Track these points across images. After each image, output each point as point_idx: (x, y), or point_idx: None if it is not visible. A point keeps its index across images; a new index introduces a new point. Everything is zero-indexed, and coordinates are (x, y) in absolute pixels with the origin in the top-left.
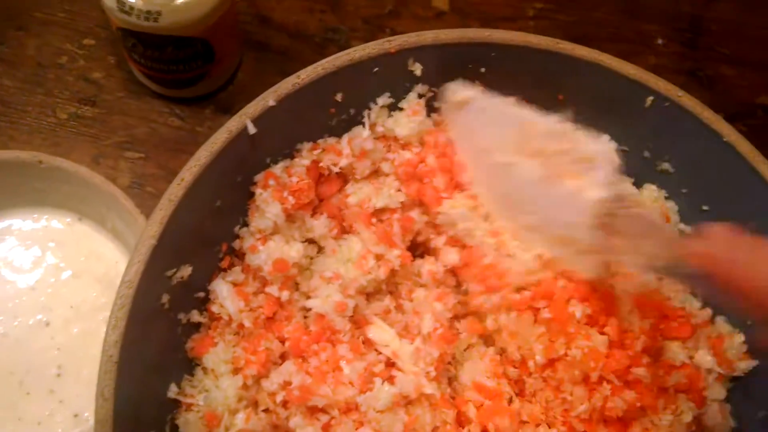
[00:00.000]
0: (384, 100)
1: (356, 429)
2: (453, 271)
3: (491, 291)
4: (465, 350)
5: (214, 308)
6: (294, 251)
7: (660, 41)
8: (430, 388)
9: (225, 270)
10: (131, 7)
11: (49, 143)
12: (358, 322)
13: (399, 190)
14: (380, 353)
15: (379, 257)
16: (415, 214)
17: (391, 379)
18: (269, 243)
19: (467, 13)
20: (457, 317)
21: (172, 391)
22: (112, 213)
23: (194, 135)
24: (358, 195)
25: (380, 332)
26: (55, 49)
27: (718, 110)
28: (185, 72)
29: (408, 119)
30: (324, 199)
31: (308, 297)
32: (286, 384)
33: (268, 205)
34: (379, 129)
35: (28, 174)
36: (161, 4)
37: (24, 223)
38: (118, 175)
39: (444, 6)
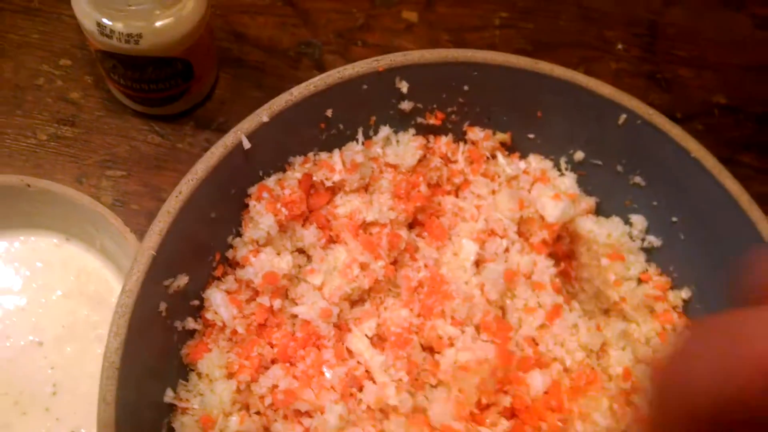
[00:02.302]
0: (385, 131)
1: None
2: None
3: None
4: (435, 386)
5: (209, 315)
6: (284, 263)
7: (620, 46)
8: (394, 400)
9: (219, 278)
10: (112, 30)
11: (30, 165)
12: (342, 327)
13: (392, 209)
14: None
15: (364, 266)
16: (404, 232)
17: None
18: (260, 255)
19: (436, 25)
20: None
21: (169, 396)
22: (101, 232)
23: (175, 151)
24: (347, 207)
25: (357, 341)
26: (31, 70)
27: (676, 111)
28: (165, 91)
29: (412, 153)
30: (314, 210)
31: (296, 304)
32: (274, 387)
33: (262, 217)
34: (377, 150)
35: (15, 197)
36: (142, 27)
37: (11, 245)
38: (102, 194)
39: (413, 18)
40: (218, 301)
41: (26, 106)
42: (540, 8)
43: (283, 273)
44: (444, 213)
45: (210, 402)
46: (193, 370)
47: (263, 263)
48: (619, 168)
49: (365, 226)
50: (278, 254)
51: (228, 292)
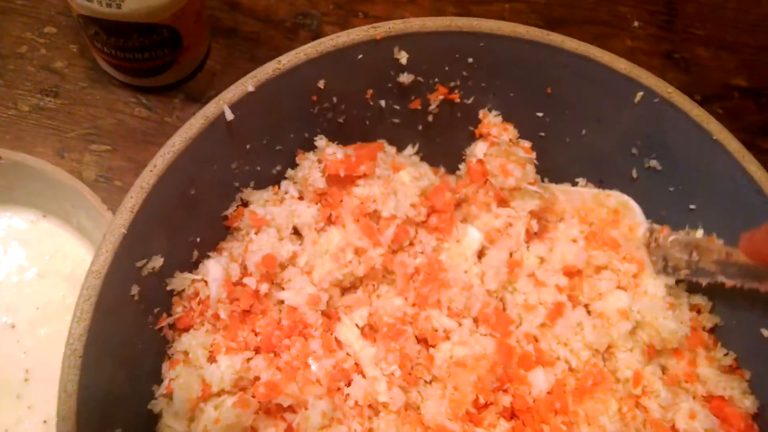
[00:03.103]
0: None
1: None
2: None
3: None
4: (429, 383)
5: (190, 290)
6: (284, 250)
7: (636, 23)
8: (385, 396)
9: (217, 251)
10: None
11: (11, 137)
12: (331, 316)
13: (414, 206)
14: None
15: (360, 252)
16: (412, 229)
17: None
18: (261, 235)
19: None
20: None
21: (145, 379)
22: (78, 210)
23: (163, 125)
24: (365, 191)
25: (346, 331)
26: (14, 38)
27: (694, 92)
28: (151, 60)
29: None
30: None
31: (282, 288)
32: (255, 380)
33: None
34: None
35: None
36: None
37: None
38: (84, 169)
39: None
40: (216, 275)
41: (8, 75)
42: None
43: (281, 260)
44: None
45: (212, 375)
46: (168, 357)
47: (263, 244)
48: (634, 150)
49: (372, 214)
50: (280, 239)
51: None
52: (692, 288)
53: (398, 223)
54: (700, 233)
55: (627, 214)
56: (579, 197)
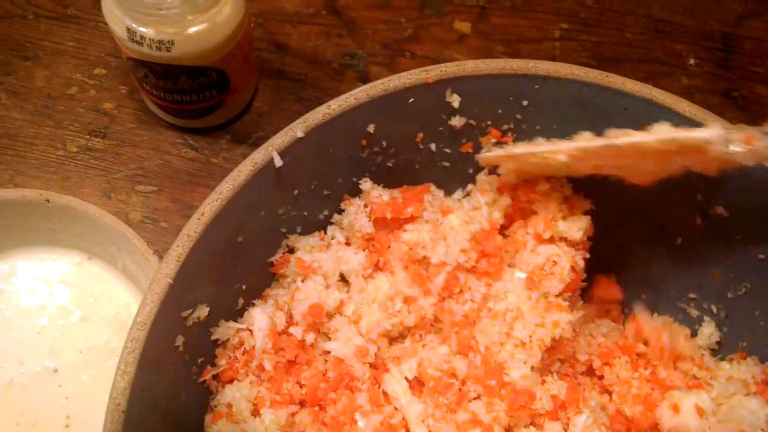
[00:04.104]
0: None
1: None
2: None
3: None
4: None
5: (234, 340)
6: (331, 299)
7: (692, 61)
8: None
9: (262, 299)
10: (142, 37)
11: (58, 177)
12: (378, 367)
13: (463, 252)
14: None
15: (409, 300)
16: (462, 275)
17: None
18: (308, 283)
19: (491, 36)
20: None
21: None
22: (123, 252)
23: (209, 166)
24: (414, 236)
25: (394, 383)
26: (64, 79)
27: None
28: (199, 102)
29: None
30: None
31: (329, 338)
32: None
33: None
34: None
35: (35, 213)
36: (174, 33)
37: (31, 263)
38: (130, 210)
39: (466, 28)
40: (261, 324)
41: (57, 116)
42: (604, 19)
43: (328, 309)
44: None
45: (256, 430)
46: (211, 410)
47: (310, 292)
48: (699, 196)
49: (421, 260)
50: (327, 287)
51: (270, 318)
52: None
53: (449, 270)
54: None
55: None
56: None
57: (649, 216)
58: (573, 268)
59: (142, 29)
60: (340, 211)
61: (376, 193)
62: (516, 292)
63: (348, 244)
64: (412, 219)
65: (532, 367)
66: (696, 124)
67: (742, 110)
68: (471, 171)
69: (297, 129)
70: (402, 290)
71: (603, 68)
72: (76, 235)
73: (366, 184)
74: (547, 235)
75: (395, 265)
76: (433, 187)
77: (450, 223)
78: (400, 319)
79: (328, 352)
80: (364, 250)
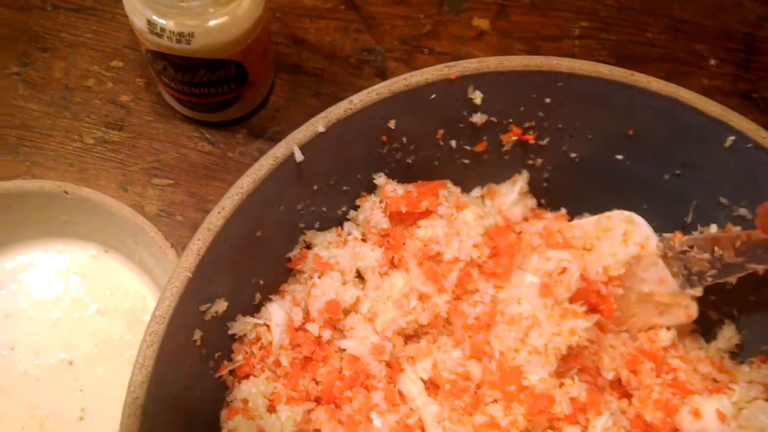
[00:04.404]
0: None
1: None
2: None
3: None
4: None
5: (251, 335)
6: (348, 295)
7: (713, 62)
8: None
9: (279, 294)
10: (162, 29)
11: (75, 169)
12: (393, 366)
13: (476, 247)
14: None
15: (423, 298)
16: (475, 272)
17: None
18: (325, 279)
19: (509, 33)
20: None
21: (203, 426)
22: (140, 246)
23: (225, 161)
24: (428, 232)
25: (410, 384)
26: (81, 71)
27: None
28: (217, 95)
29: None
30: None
31: (344, 335)
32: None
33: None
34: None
35: (52, 205)
36: (194, 26)
37: (47, 255)
38: (146, 203)
39: (485, 25)
40: (279, 320)
41: (74, 108)
42: (625, 18)
43: (345, 306)
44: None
45: (272, 427)
46: (227, 405)
47: (327, 289)
48: (723, 199)
49: (435, 257)
50: (344, 283)
51: (287, 314)
52: None
53: (461, 267)
54: (713, 228)
55: (634, 230)
56: (580, 230)
57: (669, 219)
58: (583, 276)
59: (163, 21)
60: (357, 208)
61: (390, 188)
62: (530, 298)
63: (364, 240)
64: (427, 213)
65: (549, 374)
66: (720, 123)
67: (762, 111)
68: (490, 169)
69: (318, 124)
70: (417, 287)
71: (623, 67)
72: (93, 228)
73: (380, 179)
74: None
75: (410, 262)
76: (449, 184)
77: (464, 218)
78: (415, 316)
79: (344, 350)
80: (380, 246)
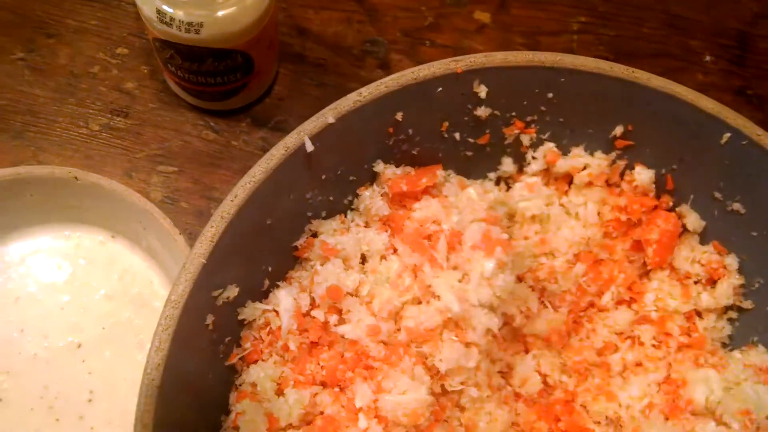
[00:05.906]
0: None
1: None
2: None
3: None
4: None
5: (260, 320)
6: (350, 280)
7: (708, 58)
8: None
9: (286, 281)
10: (172, 18)
11: (80, 156)
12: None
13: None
14: None
15: (416, 270)
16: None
17: None
18: (327, 265)
19: (510, 27)
20: None
21: (214, 409)
22: (148, 231)
23: (229, 149)
24: (425, 212)
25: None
26: (87, 58)
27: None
28: (223, 85)
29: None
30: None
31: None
32: (321, 414)
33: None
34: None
35: (61, 190)
36: (203, 16)
37: (55, 240)
38: (151, 190)
39: (486, 19)
40: (287, 305)
41: (80, 94)
42: (622, 14)
43: (347, 291)
44: None
45: (280, 410)
46: (236, 388)
47: (328, 275)
48: (717, 194)
49: (433, 236)
50: (347, 269)
51: (295, 300)
52: None
53: (447, 233)
54: None
55: None
56: None
57: None
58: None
59: (172, 11)
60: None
61: (389, 172)
62: None
63: (367, 226)
64: (426, 191)
65: None
66: (717, 121)
67: (756, 108)
68: (492, 161)
69: (328, 115)
70: (407, 262)
71: (620, 63)
72: (101, 213)
73: (379, 166)
74: None
75: (403, 241)
76: (452, 173)
77: (468, 194)
78: (411, 295)
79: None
80: (385, 231)
